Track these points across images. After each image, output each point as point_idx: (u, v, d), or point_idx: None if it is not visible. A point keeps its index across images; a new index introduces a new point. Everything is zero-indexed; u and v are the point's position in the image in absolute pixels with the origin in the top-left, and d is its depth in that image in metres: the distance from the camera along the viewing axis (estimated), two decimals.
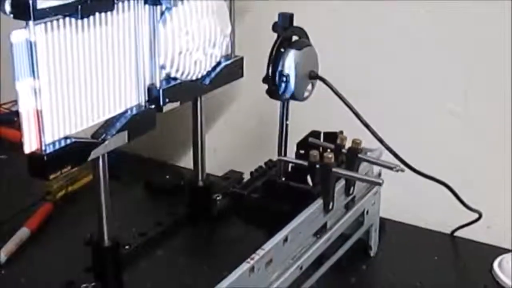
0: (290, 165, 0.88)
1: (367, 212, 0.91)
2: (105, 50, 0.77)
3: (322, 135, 0.89)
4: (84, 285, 0.85)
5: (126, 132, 0.80)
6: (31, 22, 0.66)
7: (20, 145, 0.70)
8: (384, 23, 1.03)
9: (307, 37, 0.87)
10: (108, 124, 0.79)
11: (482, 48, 0.97)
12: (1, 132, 1.21)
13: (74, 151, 0.75)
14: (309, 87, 0.88)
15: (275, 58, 0.84)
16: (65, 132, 0.74)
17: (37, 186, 1.06)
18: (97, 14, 0.74)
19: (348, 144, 0.85)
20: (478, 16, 0.96)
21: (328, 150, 0.83)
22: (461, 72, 1.00)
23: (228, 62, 0.95)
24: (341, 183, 0.83)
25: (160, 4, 0.81)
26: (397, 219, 1.04)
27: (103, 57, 0.77)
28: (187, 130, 1.03)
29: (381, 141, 0.87)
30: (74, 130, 0.75)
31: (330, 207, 0.81)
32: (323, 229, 0.82)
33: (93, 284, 0.86)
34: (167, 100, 0.85)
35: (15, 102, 0.69)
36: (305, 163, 0.82)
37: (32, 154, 0.71)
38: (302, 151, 0.87)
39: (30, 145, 0.71)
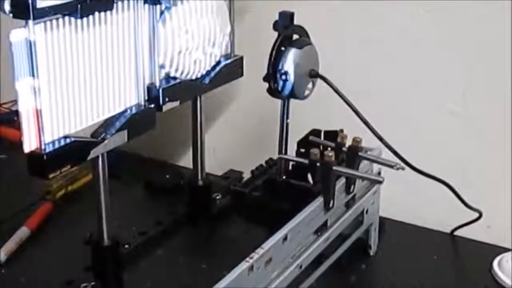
0: (290, 163, 0.89)
1: (367, 211, 0.91)
2: (104, 49, 0.77)
3: (322, 133, 0.88)
4: (84, 284, 0.85)
5: (125, 132, 0.80)
6: (30, 21, 0.66)
7: (20, 144, 0.70)
8: (384, 23, 1.03)
9: (308, 36, 0.87)
10: (107, 123, 0.79)
11: (482, 48, 0.97)
12: (1, 132, 1.20)
13: (74, 150, 0.75)
14: (310, 85, 0.88)
15: (276, 57, 0.84)
16: (64, 131, 0.74)
17: (37, 186, 1.06)
18: (96, 13, 0.74)
19: (348, 142, 0.85)
20: (478, 16, 0.96)
21: (329, 149, 0.83)
22: (461, 72, 1.00)
23: (228, 61, 0.95)
24: (342, 181, 0.83)
25: (160, 3, 0.81)
26: (396, 218, 1.04)
27: (103, 56, 0.77)
28: (186, 130, 1.03)
29: (381, 139, 0.87)
30: (74, 129, 0.75)
31: (331, 205, 0.81)
32: (323, 227, 0.82)
33: (92, 283, 0.85)
34: (166, 99, 0.85)
35: (15, 101, 0.69)
36: (306, 162, 0.82)
37: (32, 153, 0.71)
38: (302, 150, 0.87)
39: (29, 144, 0.71)
